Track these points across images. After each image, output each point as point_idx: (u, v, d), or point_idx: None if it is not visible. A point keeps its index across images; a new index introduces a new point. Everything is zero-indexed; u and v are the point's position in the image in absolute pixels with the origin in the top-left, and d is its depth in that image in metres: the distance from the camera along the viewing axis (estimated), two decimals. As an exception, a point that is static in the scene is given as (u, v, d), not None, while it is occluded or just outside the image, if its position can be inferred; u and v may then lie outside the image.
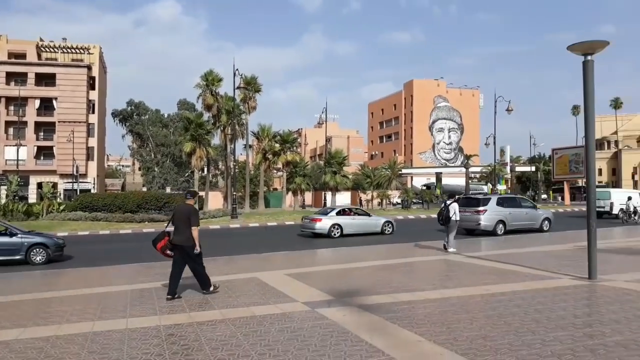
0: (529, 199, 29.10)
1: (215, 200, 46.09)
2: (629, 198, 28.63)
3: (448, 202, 14.96)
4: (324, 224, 21.30)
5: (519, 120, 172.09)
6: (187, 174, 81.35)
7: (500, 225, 20.39)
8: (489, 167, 57.90)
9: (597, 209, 18.91)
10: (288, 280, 10.01)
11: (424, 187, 67.52)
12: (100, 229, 26.72)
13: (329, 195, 43.81)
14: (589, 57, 9.01)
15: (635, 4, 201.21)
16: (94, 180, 60.73)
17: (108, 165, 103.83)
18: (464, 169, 66.56)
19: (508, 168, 65.31)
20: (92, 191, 55.55)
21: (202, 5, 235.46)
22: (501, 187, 61.03)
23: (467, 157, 71.86)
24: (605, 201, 31.07)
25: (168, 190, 70.63)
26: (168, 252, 8.45)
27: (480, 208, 20.54)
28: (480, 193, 64.53)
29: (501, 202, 21.43)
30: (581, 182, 68.43)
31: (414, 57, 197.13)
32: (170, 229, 8.52)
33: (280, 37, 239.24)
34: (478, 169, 73.13)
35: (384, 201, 45.79)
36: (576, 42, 8.82)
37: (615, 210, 30.09)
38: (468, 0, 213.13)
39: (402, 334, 5.89)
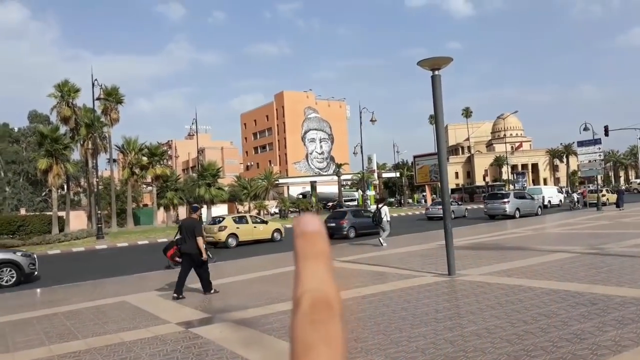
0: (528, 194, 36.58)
1: (78, 221, 42.55)
2: (567, 192, 37.33)
3: (380, 205, 17.26)
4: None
5: (383, 129, 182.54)
6: (44, 193, 74.24)
7: (516, 211, 29.82)
8: (359, 175, 60.69)
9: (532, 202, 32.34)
10: (160, 301, 9.57)
11: (300, 196, 68.81)
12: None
13: (204, 208, 42.68)
14: (436, 72, 9.88)
15: (477, 24, 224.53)
16: None
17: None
18: (336, 177, 69.01)
19: (375, 175, 69.02)
20: None
21: (53, 10, 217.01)
22: (370, 193, 64.22)
23: (338, 166, 74.59)
24: (538, 196, 38.56)
25: (23, 211, 63.83)
26: (177, 259, 10.09)
27: (505, 200, 30.53)
28: (352, 200, 67.43)
29: (520, 195, 32.83)
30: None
31: (282, 69, 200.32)
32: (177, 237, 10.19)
33: (143, 46, 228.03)
34: (349, 177, 76.25)
35: (262, 212, 45.81)
36: (424, 59, 9.63)
37: (548, 201, 41.62)
38: (329, 15, 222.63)
39: (278, 345, 5.92)
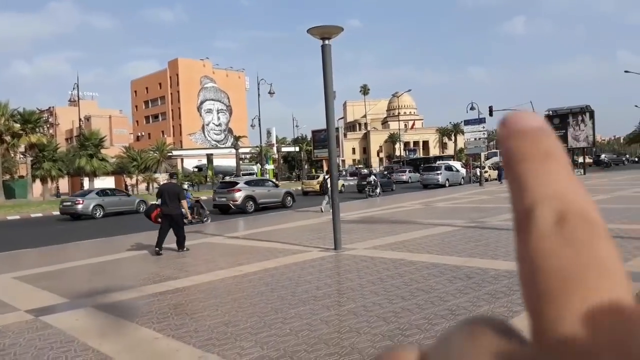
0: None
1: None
2: (483, 167, 39.01)
3: (327, 176, 19.55)
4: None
5: (285, 104, 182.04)
6: None
7: (446, 181, 36.18)
8: (257, 148, 59.81)
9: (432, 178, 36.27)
10: (14, 284, 8.43)
11: (196, 169, 66.57)
12: None
13: (86, 181, 39.70)
14: (326, 42, 9.50)
15: (376, 4, 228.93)
16: None
17: None
18: (234, 150, 67.54)
19: (275, 149, 68.56)
20: None
21: None
22: (269, 167, 63.74)
23: (237, 139, 73.06)
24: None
25: None
26: (159, 219, 10.79)
27: (438, 172, 36.53)
28: (251, 173, 66.52)
29: (448, 167, 38.41)
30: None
31: (179, 37, 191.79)
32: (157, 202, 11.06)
33: (20, 1, 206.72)
34: (247, 150, 75.04)
35: (151, 185, 43.58)
36: (314, 27, 9.20)
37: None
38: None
39: (140, 332, 5.29)
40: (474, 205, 19.13)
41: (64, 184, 52.02)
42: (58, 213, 25.71)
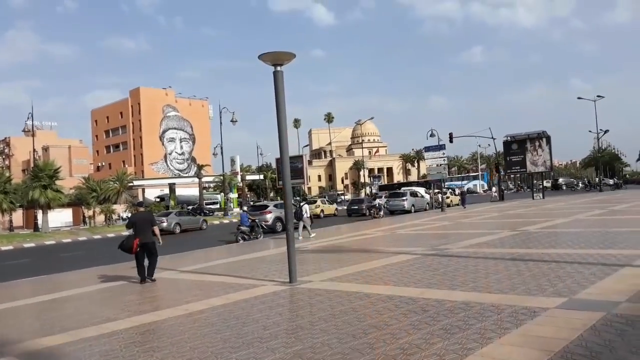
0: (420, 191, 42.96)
1: None
2: (444, 193, 39.78)
3: (302, 204, 21.31)
4: None
5: (249, 132, 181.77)
6: None
7: (412, 207, 36.90)
8: (221, 177, 58.96)
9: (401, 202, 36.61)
10: None
11: (158, 199, 65.09)
12: None
13: (39, 214, 38.09)
14: (278, 68, 9.27)
15: (339, 33, 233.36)
16: None
17: None
18: (197, 179, 66.47)
19: (239, 177, 67.73)
20: None
21: None
22: (233, 196, 62.90)
23: (200, 167, 72.10)
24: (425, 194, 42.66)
25: None
26: (138, 250, 10.70)
27: (404, 198, 37.19)
28: (214, 202, 65.39)
29: (414, 194, 39.20)
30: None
31: (140, 66, 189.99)
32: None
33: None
34: (211, 179, 74.03)
35: (109, 216, 42.15)
36: (265, 52, 8.95)
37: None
38: (192, 14, 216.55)
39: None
40: (435, 232, 19.03)
41: (18, 217, 49.92)
42: (10, 247, 24.35)
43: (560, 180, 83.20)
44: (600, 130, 61.22)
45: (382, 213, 33.20)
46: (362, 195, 75.56)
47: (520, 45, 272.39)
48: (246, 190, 76.82)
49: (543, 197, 41.93)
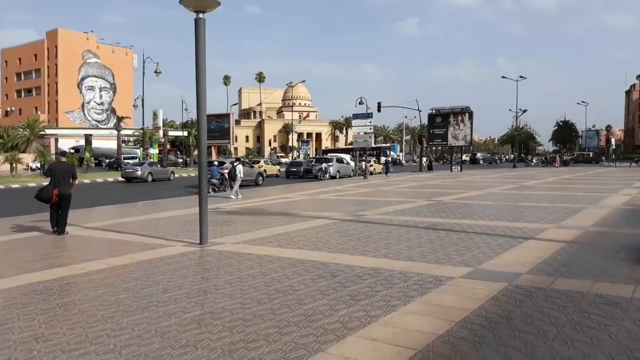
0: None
1: None
2: (368, 161, 40.16)
3: (235, 163, 21.20)
4: None
5: (177, 86, 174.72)
6: None
7: (337, 173, 36.68)
8: (142, 130, 56.29)
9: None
10: None
11: (72, 150, 61.37)
12: None
13: None
14: (200, 15, 8.64)
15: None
16: None
17: None
18: (115, 132, 63.25)
19: (161, 132, 65.19)
20: None
21: None
22: (153, 151, 60.52)
23: (120, 119, 68.62)
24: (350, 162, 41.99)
25: None
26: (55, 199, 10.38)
27: (330, 164, 36.46)
28: (133, 157, 62.59)
29: (340, 160, 39.73)
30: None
31: (60, 6, 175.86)
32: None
33: None
34: (131, 132, 70.73)
35: (14, 165, 39.17)
36: (186, -5, 8.27)
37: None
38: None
39: None
40: (356, 198, 19.19)
41: None
42: None
43: (479, 155, 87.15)
44: (520, 109, 64.34)
45: (327, 176, 34.59)
46: (302, 158, 76.03)
47: (453, 22, 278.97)
48: (168, 146, 74.07)
49: (461, 170, 43.67)
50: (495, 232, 9.80)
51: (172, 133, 75.92)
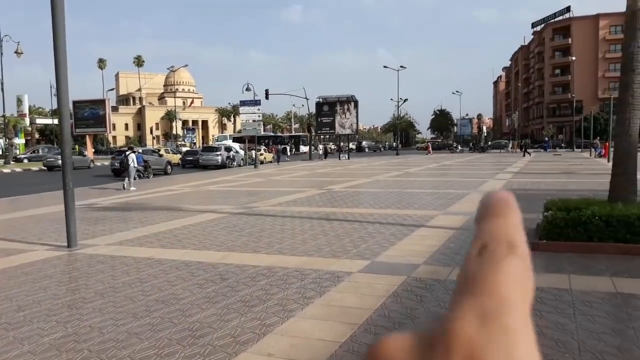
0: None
1: None
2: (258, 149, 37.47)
3: (127, 153, 19.90)
4: None
5: (45, 69, 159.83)
6: None
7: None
8: (2, 118, 50.33)
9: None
10: None
11: None
12: None
13: None
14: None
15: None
16: None
17: None
18: (-30, 119, 56.06)
19: (27, 120, 59.08)
20: None
21: None
22: (19, 141, 54.76)
23: (-24, 105, 60.93)
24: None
25: None
26: None
27: (218, 152, 34.62)
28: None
29: (228, 149, 36.65)
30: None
31: None
32: None
33: None
34: (-10, 120, 63.18)
35: None
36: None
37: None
38: None
39: None
40: (246, 188, 18.53)
41: None
42: None
43: (364, 143, 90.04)
44: (401, 98, 67.22)
45: (235, 163, 34.75)
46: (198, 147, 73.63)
47: (336, 9, 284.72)
48: (37, 135, 67.33)
49: (348, 158, 44.60)
50: (387, 220, 9.77)
51: (40, 121, 69.12)
